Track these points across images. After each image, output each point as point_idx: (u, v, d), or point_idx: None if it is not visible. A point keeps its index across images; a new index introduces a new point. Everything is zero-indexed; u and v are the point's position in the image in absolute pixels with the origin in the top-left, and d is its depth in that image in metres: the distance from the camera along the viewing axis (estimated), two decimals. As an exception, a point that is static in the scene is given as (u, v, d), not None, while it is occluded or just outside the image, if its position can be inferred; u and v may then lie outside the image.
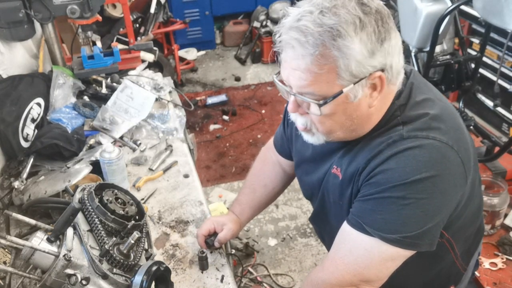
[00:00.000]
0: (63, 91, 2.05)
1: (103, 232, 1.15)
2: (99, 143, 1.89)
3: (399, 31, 2.92)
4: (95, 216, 1.16)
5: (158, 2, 4.32)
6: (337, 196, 1.21)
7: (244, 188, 1.60)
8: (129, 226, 1.18)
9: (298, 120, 1.12)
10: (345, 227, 1.13)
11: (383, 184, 1.04)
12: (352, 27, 0.95)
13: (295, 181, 1.58)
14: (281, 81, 1.07)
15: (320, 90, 1.00)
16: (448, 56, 2.88)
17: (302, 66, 0.98)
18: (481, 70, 3.16)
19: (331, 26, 0.95)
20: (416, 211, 1.03)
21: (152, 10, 4.26)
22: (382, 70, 1.01)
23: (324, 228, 1.42)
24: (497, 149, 2.67)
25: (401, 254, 1.08)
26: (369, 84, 1.01)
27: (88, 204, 1.18)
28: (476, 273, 2.24)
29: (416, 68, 2.90)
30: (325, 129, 1.09)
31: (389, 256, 1.08)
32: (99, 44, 2.91)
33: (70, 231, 1.11)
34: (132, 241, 1.15)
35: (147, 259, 1.25)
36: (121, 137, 1.95)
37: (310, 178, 1.33)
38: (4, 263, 1.36)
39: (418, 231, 1.04)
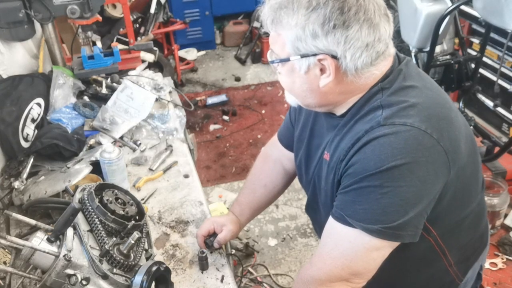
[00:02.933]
0: (63, 91, 2.05)
1: (103, 232, 1.15)
2: (99, 143, 1.89)
3: (399, 31, 2.95)
4: (95, 216, 1.16)
5: (158, 2, 4.32)
6: (324, 181, 1.21)
7: (244, 189, 1.60)
8: (129, 226, 1.18)
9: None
10: (330, 221, 1.13)
11: (360, 174, 1.04)
12: (306, 4, 1.01)
13: (295, 181, 1.58)
14: None
15: (276, 51, 1.11)
16: (448, 56, 2.88)
17: (269, 25, 1.10)
18: (481, 70, 3.16)
19: None
20: (395, 200, 1.02)
21: (152, 10, 4.26)
22: (334, 57, 1.03)
23: (316, 217, 1.41)
24: (497, 149, 2.67)
25: (385, 245, 1.07)
26: (320, 65, 1.05)
27: (88, 204, 1.18)
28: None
29: (416, 68, 2.89)
30: (286, 89, 1.18)
31: (373, 247, 1.07)
32: (99, 44, 2.91)
33: (70, 231, 1.11)
34: (132, 241, 1.15)
35: (147, 259, 1.25)
36: (121, 137, 1.95)
37: (306, 165, 1.33)
38: (4, 263, 1.36)
39: (399, 221, 1.03)
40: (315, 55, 1.04)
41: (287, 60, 1.08)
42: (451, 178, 1.08)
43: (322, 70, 1.06)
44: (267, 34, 5.69)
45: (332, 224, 1.12)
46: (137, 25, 4.29)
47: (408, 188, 1.01)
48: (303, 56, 1.05)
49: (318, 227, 1.37)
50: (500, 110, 2.90)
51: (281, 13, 1.04)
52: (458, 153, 1.08)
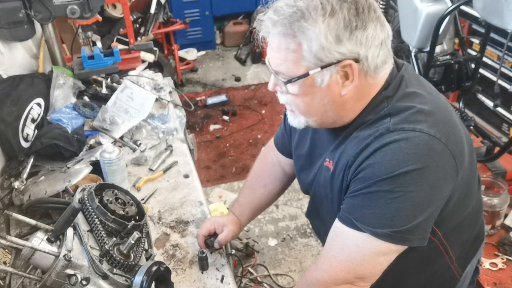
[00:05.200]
0: (63, 91, 2.05)
1: (103, 232, 1.15)
2: (99, 143, 1.89)
3: (399, 31, 2.95)
4: (95, 216, 1.16)
5: (158, 2, 4.32)
6: (328, 189, 1.21)
7: (244, 189, 1.60)
8: (129, 227, 1.18)
9: (280, 98, 1.17)
10: (337, 224, 1.13)
11: (370, 179, 1.04)
12: (321, 12, 0.98)
13: (295, 181, 1.58)
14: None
15: (288, 69, 1.04)
16: (448, 56, 2.88)
17: (274, 44, 1.04)
18: (481, 70, 3.16)
19: (300, 8, 0.99)
20: (405, 204, 1.02)
21: (152, 10, 4.26)
22: (356, 60, 1.02)
23: (319, 223, 1.42)
24: (497, 149, 2.67)
25: (393, 249, 1.07)
26: (341, 72, 1.03)
27: (88, 204, 1.18)
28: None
29: (416, 68, 2.90)
30: (301, 110, 1.13)
31: (380, 252, 1.07)
32: (99, 44, 2.90)
33: (70, 231, 1.11)
34: (132, 241, 1.15)
35: (147, 259, 1.25)
36: (121, 137, 1.95)
37: (306, 172, 1.33)
38: (4, 263, 1.36)
39: (409, 225, 1.03)
40: (338, 62, 1.01)
41: (305, 76, 1.03)
42: (458, 181, 1.09)
43: (345, 77, 1.04)
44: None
45: (338, 227, 1.12)
46: (137, 25, 4.29)
47: (419, 193, 1.02)
48: (324, 67, 1.01)
49: (323, 232, 1.37)
50: (500, 110, 2.90)
51: (301, 24, 0.99)
52: (463, 155, 1.10)
